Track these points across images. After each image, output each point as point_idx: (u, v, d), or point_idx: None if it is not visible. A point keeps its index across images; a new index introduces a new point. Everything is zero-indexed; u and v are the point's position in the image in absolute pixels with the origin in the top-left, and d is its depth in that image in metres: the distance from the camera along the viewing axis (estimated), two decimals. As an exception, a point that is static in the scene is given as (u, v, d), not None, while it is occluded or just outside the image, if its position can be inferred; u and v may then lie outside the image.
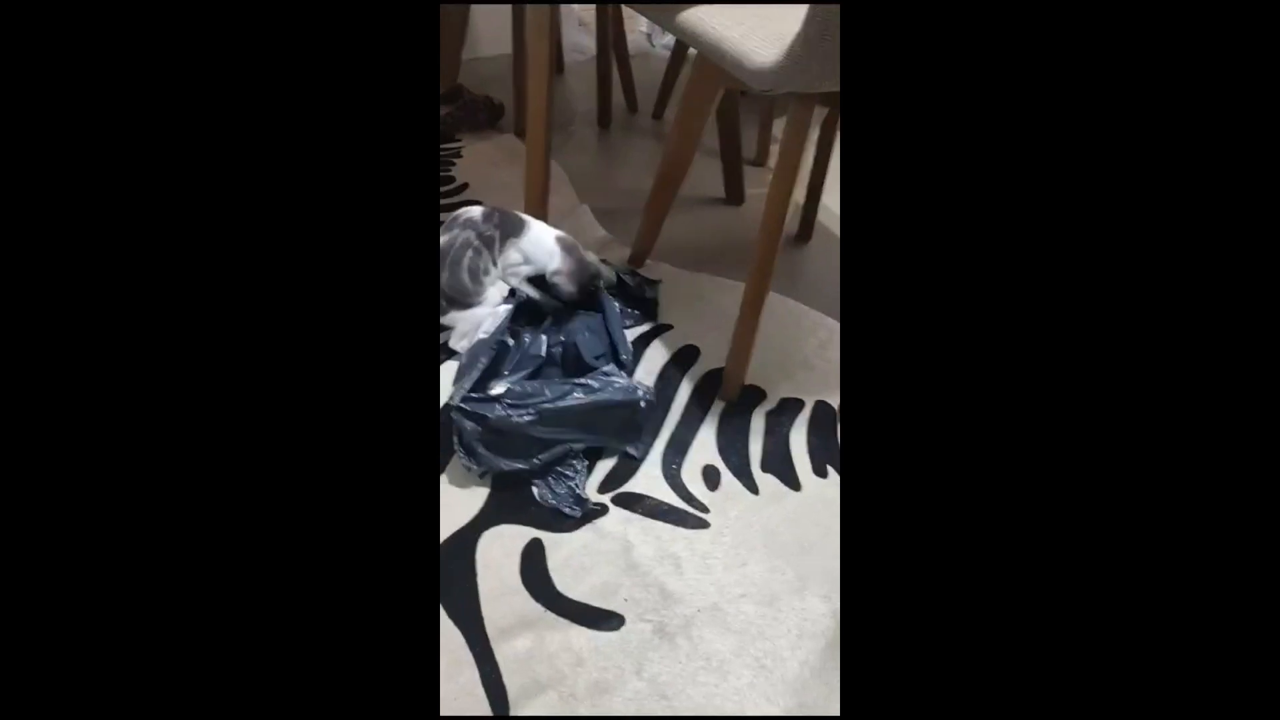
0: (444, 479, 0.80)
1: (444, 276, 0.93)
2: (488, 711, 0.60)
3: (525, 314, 0.95)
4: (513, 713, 0.60)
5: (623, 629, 0.67)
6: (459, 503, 0.78)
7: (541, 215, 1.15)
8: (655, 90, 1.88)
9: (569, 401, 0.79)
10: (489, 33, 2.06)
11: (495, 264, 0.96)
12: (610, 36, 1.64)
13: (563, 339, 0.91)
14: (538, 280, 0.97)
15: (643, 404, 0.83)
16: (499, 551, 0.73)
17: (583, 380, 0.82)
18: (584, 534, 0.75)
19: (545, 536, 0.75)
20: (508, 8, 1.63)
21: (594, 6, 1.61)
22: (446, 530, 0.75)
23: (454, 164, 1.55)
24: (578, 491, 0.79)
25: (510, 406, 0.77)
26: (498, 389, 0.79)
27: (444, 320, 0.95)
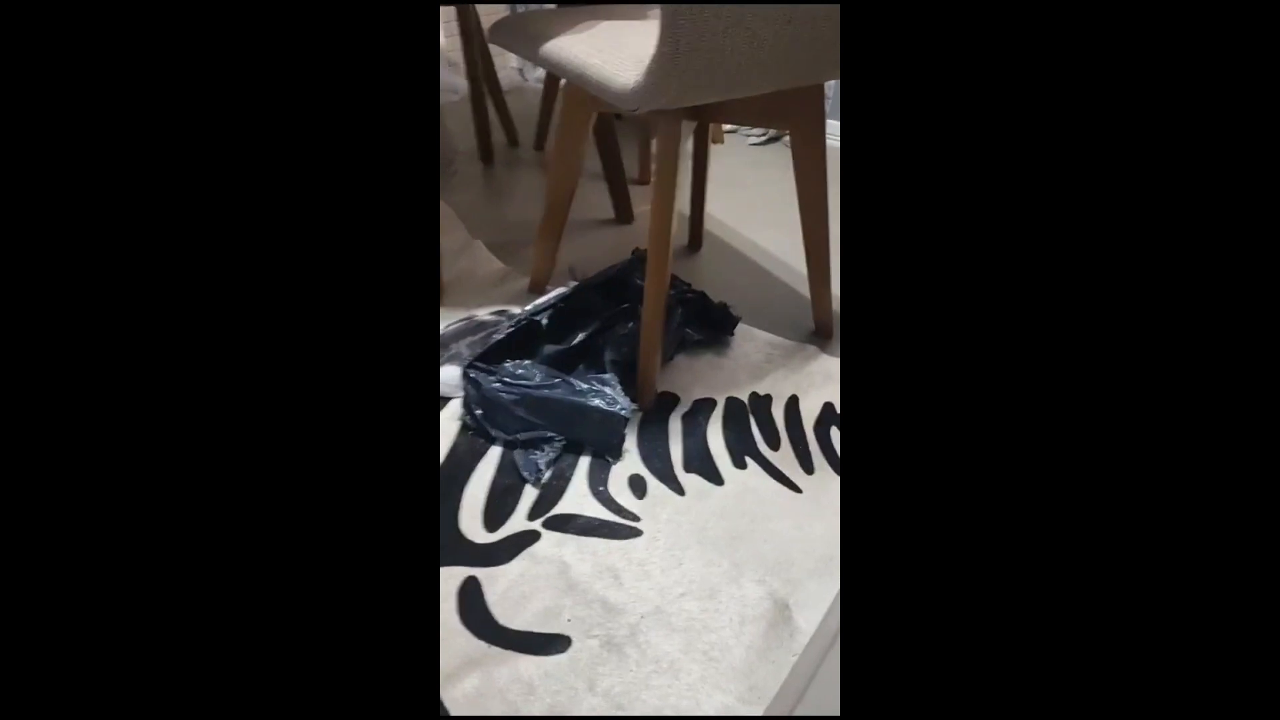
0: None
1: None
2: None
3: (586, 305, 1.00)
4: (469, 756, 0.58)
5: (570, 649, 0.67)
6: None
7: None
8: (534, 123, 1.90)
9: (550, 394, 0.85)
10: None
11: None
12: (481, 73, 1.66)
13: (599, 337, 0.95)
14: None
15: (622, 418, 0.87)
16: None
17: (573, 379, 0.87)
18: (519, 563, 0.75)
19: (480, 572, 0.74)
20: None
21: (460, 46, 1.62)
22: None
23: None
24: (539, 464, 0.85)
25: (502, 383, 0.86)
26: (504, 365, 0.89)
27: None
